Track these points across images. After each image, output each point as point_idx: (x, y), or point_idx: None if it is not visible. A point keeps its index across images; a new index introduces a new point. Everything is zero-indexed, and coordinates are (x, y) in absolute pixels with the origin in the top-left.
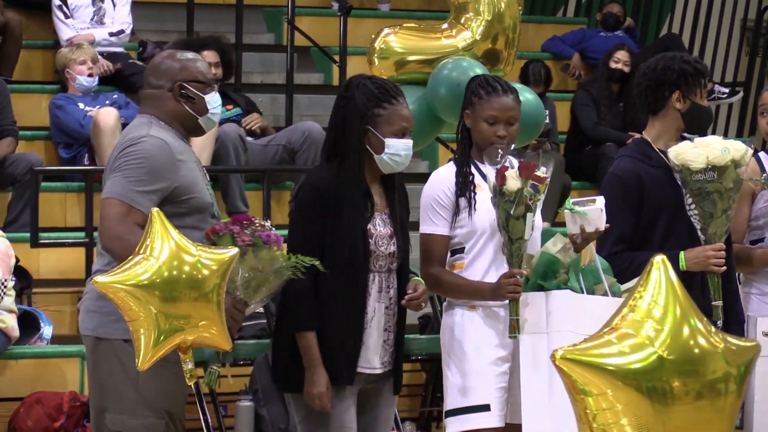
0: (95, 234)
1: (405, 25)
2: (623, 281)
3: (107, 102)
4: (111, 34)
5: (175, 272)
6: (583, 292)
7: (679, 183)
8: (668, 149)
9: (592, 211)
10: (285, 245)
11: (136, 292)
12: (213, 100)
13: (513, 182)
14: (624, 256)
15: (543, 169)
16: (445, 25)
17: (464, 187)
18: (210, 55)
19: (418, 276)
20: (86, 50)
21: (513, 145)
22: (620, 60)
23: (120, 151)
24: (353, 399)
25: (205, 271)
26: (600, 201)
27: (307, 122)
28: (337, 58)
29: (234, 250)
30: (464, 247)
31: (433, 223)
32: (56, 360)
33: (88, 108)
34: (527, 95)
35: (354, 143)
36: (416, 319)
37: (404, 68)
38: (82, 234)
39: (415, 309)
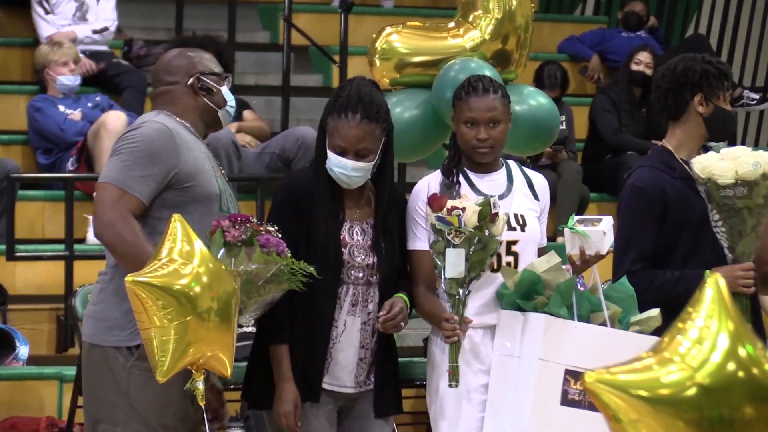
0: (76, 247)
1: (409, 23)
2: (644, 302)
3: (89, 104)
4: (94, 32)
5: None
6: (572, 319)
7: (704, 197)
8: (692, 160)
9: (593, 233)
10: (289, 255)
11: (168, 298)
12: (228, 92)
13: (429, 214)
14: (644, 274)
15: (462, 200)
16: (451, 24)
17: (448, 194)
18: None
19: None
20: (67, 49)
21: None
22: (642, 62)
23: (120, 136)
24: (328, 417)
25: (232, 287)
26: (606, 222)
27: (300, 128)
28: (337, 58)
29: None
30: None
31: (416, 238)
32: (33, 382)
33: (68, 111)
34: (541, 99)
35: (318, 146)
36: (420, 340)
37: (407, 70)
38: (62, 246)
39: (390, 331)
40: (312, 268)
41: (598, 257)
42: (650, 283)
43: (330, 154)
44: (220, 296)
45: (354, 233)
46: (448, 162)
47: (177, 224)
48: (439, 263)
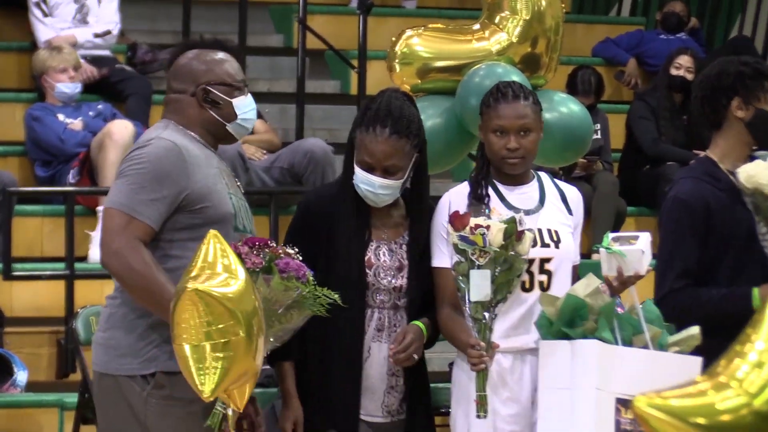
0: (77, 265)
1: (431, 25)
2: (687, 321)
3: (91, 113)
4: (95, 35)
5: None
6: (617, 343)
7: (750, 208)
8: (737, 170)
9: (631, 252)
10: (312, 279)
11: (226, 312)
12: (243, 104)
13: (451, 234)
14: (688, 292)
15: (485, 218)
16: (476, 26)
17: (475, 211)
18: None
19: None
20: (67, 55)
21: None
22: (683, 66)
23: (126, 156)
24: None
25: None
26: (643, 239)
27: (309, 140)
28: (355, 63)
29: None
30: None
31: (441, 254)
32: (32, 410)
33: (69, 120)
34: (573, 107)
35: (346, 161)
36: (446, 365)
37: (429, 76)
38: (62, 265)
39: (403, 364)
40: (336, 295)
41: (637, 277)
42: (694, 302)
43: (357, 170)
44: (260, 320)
45: (380, 254)
46: (476, 174)
47: (212, 240)
48: (463, 286)
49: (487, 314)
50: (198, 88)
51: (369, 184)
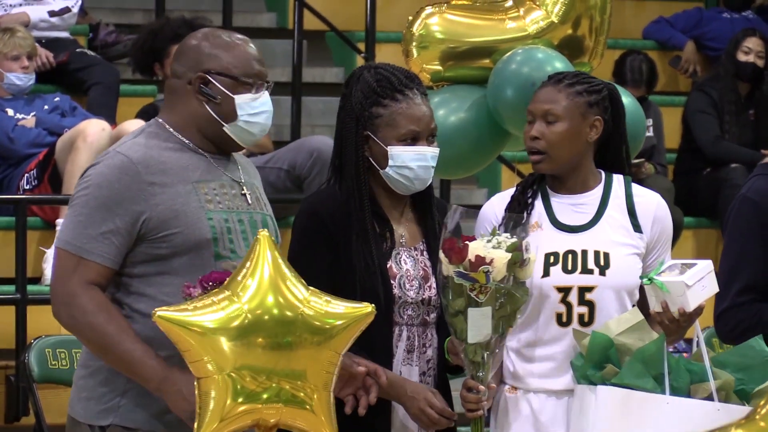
0: (30, 288)
1: (454, 2)
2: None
3: (46, 107)
4: (52, 14)
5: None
6: (662, 392)
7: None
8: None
9: (674, 286)
10: None
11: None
12: (248, 104)
13: (445, 265)
14: (753, 309)
15: (483, 243)
16: (509, 2)
17: (514, 224)
18: None
19: None
20: (21, 39)
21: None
22: (752, 50)
23: (80, 177)
24: None
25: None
26: (696, 271)
27: (315, 138)
28: (362, 46)
29: (368, 310)
30: None
31: None
32: None
33: (20, 115)
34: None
35: (350, 155)
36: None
37: (453, 62)
38: (12, 288)
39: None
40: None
41: (688, 316)
42: (758, 320)
43: (394, 150)
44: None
45: (401, 261)
46: (526, 177)
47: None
48: (458, 326)
49: (486, 354)
50: (195, 76)
51: (422, 158)
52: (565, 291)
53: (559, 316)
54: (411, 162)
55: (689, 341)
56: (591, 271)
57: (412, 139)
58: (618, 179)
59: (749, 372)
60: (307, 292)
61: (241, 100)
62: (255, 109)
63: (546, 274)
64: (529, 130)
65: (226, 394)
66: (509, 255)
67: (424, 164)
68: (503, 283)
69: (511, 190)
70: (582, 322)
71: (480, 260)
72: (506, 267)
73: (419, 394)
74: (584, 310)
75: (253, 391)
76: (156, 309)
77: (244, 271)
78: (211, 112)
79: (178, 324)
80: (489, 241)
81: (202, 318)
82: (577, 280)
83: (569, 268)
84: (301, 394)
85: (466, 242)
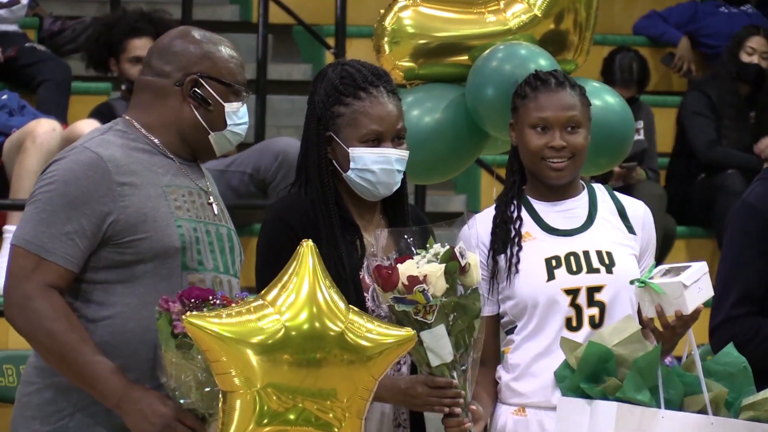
0: None
1: None
2: (746, 359)
3: None
4: None
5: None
6: (657, 406)
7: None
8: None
9: (670, 287)
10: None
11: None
12: (236, 113)
13: (381, 294)
14: (748, 322)
15: (414, 261)
16: None
17: (504, 238)
18: (142, 45)
19: None
20: None
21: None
22: (756, 50)
23: (41, 173)
24: None
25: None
26: (692, 271)
27: (282, 139)
28: (331, 41)
29: (411, 335)
30: (516, 326)
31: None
32: None
33: None
34: (609, 99)
35: (313, 157)
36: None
37: (428, 59)
38: None
39: None
40: None
41: (686, 320)
42: (754, 334)
43: (355, 152)
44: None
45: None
46: (504, 191)
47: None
48: (419, 354)
49: (455, 373)
50: (187, 77)
51: (385, 161)
52: (573, 293)
53: (568, 321)
54: (373, 165)
55: (679, 359)
56: (597, 270)
57: (375, 140)
58: (598, 186)
59: (730, 381)
60: (344, 307)
61: (230, 108)
62: (240, 119)
63: (551, 277)
64: (548, 141)
65: (252, 415)
66: (442, 266)
67: (387, 167)
68: (448, 296)
69: (490, 210)
70: (592, 324)
71: (413, 280)
72: (444, 279)
73: (415, 380)
74: (595, 311)
75: (276, 411)
76: (186, 314)
77: (285, 278)
78: (199, 118)
79: (207, 332)
80: (424, 256)
81: (234, 328)
82: (584, 280)
83: (574, 269)
84: (330, 415)
85: (395, 265)
